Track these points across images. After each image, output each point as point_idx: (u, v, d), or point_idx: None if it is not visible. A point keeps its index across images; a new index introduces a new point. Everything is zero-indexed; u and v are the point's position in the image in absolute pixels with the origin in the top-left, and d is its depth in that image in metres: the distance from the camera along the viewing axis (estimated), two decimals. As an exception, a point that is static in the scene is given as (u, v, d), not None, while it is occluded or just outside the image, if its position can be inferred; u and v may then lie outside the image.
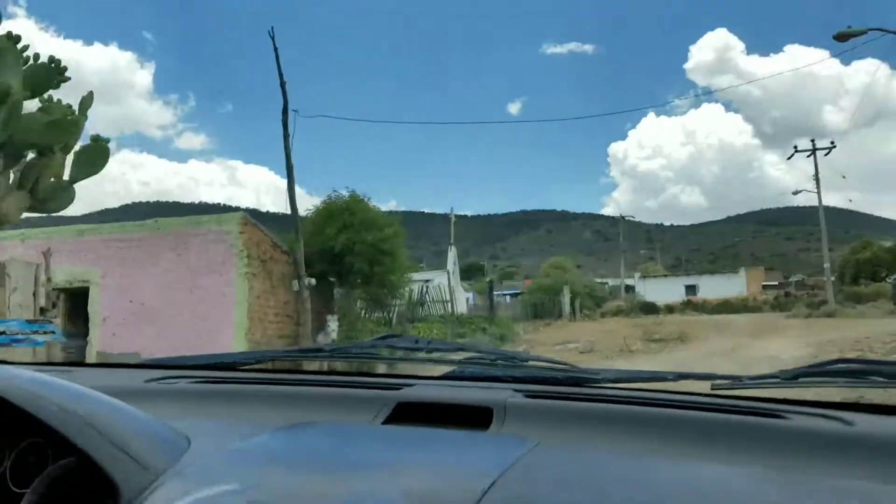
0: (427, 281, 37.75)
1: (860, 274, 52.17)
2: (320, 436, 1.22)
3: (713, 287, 61.90)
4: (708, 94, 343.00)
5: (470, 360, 1.93)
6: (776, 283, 69.97)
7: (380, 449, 1.13)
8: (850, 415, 1.25)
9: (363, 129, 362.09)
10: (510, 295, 59.73)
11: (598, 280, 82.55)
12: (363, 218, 16.87)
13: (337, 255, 16.25)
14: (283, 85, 16.17)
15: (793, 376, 1.59)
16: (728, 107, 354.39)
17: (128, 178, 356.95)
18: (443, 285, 28.13)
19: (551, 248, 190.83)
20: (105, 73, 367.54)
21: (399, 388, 1.51)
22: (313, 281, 15.14)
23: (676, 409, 1.37)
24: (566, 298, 47.11)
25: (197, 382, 1.65)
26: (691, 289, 64.85)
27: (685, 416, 1.32)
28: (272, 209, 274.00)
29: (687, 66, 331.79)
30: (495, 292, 72.31)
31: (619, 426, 1.30)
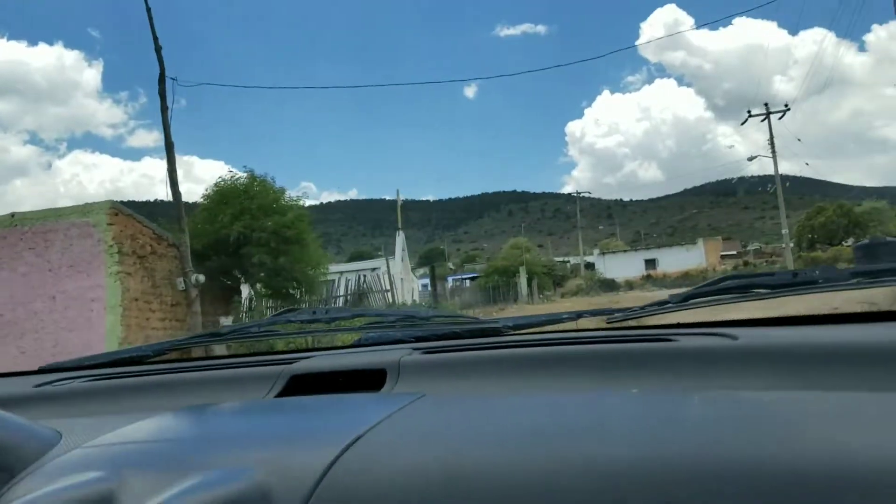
0: (373, 269, 35.64)
1: (817, 239, 51.43)
2: (195, 418, 1.17)
3: (672, 260, 60.61)
4: (660, 71, 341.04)
5: (370, 325, 1.82)
6: (734, 252, 69.28)
7: (257, 423, 1.10)
8: (734, 330, 1.30)
9: (318, 117, 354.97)
10: (470, 279, 57.77)
11: (559, 259, 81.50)
12: (262, 202, 14.46)
13: (234, 246, 13.91)
14: (158, 50, 13.79)
15: (683, 299, 1.60)
16: (681, 81, 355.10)
17: (81, 178, 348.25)
18: (381, 274, 25.87)
19: (513, 229, 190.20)
20: (52, 74, 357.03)
21: (294, 362, 1.47)
22: (201, 277, 12.80)
23: (572, 345, 1.39)
24: (523, 280, 45.28)
25: (90, 381, 1.59)
26: (651, 263, 63.51)
27: (580, 351, 1.32)
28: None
29: (638, 42, 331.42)
30: (454, 277, 70.75)
31: (514, 369, 1.28)
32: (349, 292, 24.17)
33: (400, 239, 37.35)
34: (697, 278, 52.42)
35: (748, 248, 77.87)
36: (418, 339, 1.62)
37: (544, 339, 1.49)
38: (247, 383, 1.41)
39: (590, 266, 66.82)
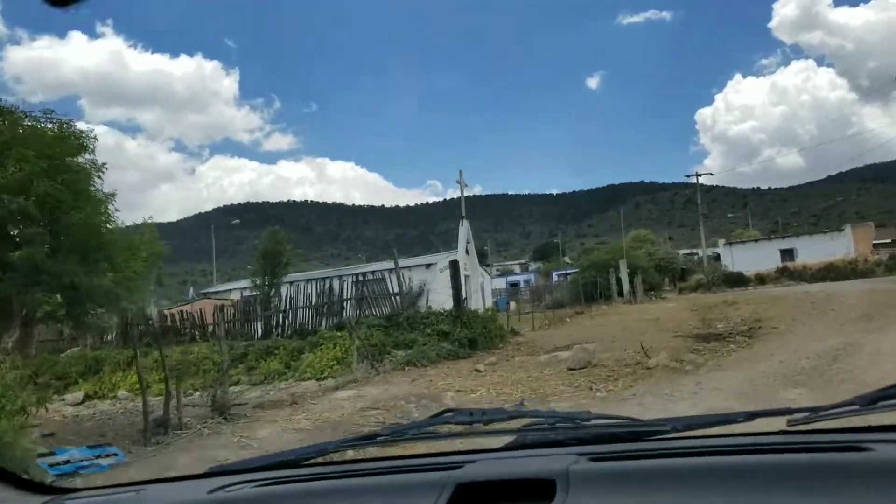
0: (428, 266, 28.91)
1: None
2: None
3: (813, 250, 50.08)
4: (797, 52, 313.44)
5: (529, 426, 1.79)
6: (890, 240, 57.31)
7: None
8: None
9: (440, 116, 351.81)
10: (567, 275, 50.16)
11: (687, 251, 72.27)
12: (14, 136, 7.98)
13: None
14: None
15: (871, 401, 1.47)
16: (820, 62, 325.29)
17: (222, 182, 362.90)
18: (390, 274, 19.06)
19: (640, 222, 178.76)
20: (192, 84, 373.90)
21: (459, 467, 1.49)
22: None
23: (747, 454, 1.32)
24: (623, 275, 37.25)
25: (260, 486, 1.62)
26: (788, 253, 53.07)
27: (757, 462, 1.24)
28: (360, 202, 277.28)
29: (771, 24, 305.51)
30: (559, 272, 63.11)
31: (685, 482, 1.23)
32: (345, 298, 17.70)
33: (463, 229, 30.49)
34: (845, 269, 42.82)
35: (907, 236, 65.15)
36: (580, 442, 1.58)
37: (716, 445, 1.44)
38: (413, 491, 1.40)
39: (716, 258, 57.32)
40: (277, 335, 17.40)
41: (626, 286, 36.81)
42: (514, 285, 61.75)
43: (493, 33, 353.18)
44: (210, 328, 18.51)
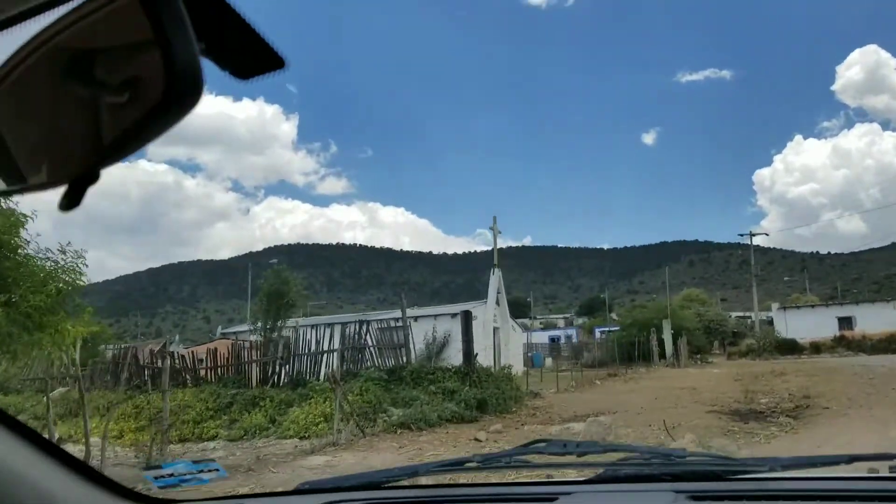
0: (453, 315, 27.23)
1: None
2: None
3: (874, 319, 46.79)
4: (861, 115, 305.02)
5: (623, 460, 1.78)
6: (963, 312, 53.50)
7: None
8: None
9: (491, 165, 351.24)
10: (608, 332, 47.90)
11: (739, 314, 69.17)
12: None
13: None
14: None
15: None
16: (885, 126, 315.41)
17: (275, 223, 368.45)
18: (393, 323, 17.46)
19: (693, 281, 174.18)
20: (253, 127, 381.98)
21: (554, 499, 1.48)
22: None
23: (847, 499, 1.30)
24: (666, 336, 35.00)
25: None
26: (846, 322, 49.81)
27: None
28: (408, 248, 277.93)
29: (835, 87, 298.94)
30: (601, 329, 60.64)
31: None
32: (343, 346, 16.17)
33: (494, 279, 28.73)
34: (907, 342, 39.79)
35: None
36: (675, 479, 1.56)
37: (816, 489, 1.42)
38: None
39: (769, 323, 54.40)
40: (272, 384, 15.93)
41: (668, 348, 34.53)
42: (554, 340, 59.38)
43: (547, 85, 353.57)
44: (202, 372, 17.20)
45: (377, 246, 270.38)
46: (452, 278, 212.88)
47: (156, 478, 2.45)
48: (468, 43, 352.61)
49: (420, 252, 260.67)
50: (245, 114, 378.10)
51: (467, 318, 16.38)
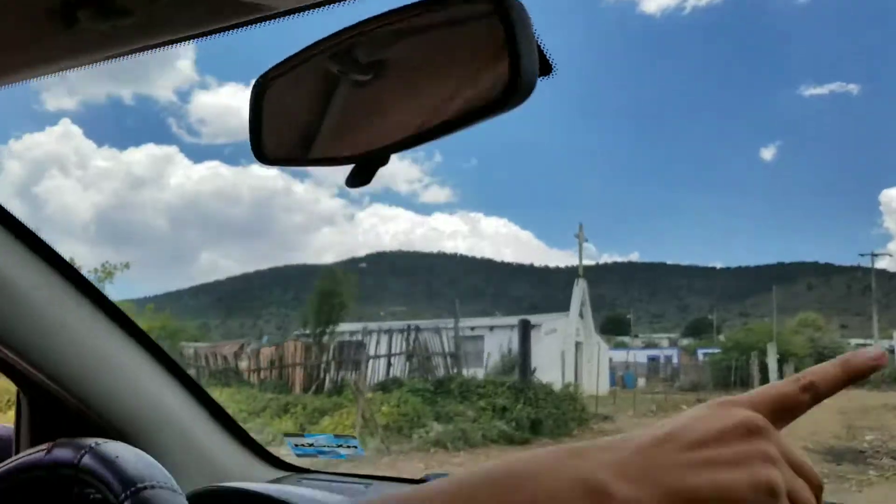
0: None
1: None
2: None
3: None
4: None
5: None
6: None
7: None
8: None
9: (599, 178, 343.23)
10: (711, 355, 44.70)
11: (859, 341, 63.86)
12: None
13: None
14: None
15: None
16: None
17: (378, 229, 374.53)
18: (447, 332, 15.96)
19: (811, 304, 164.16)
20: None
21: None
22: None
23: None
24: (771, 360, 31.90)
25: None
26: (983, 355, 44.55)
27: None
28: (509, 259, 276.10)
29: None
30: (704, 351, 56.95)
31: None
32: (391, 352, 14.89)
33: (578, 289, 26.82)
34: None
35: None
36: None
37: None
38: None
39: (891, 352, 49.56)
40: (315, 389, 14.84)
41: (773, 374, 31.41)
42: (654, 360, 56.24)
43: (662, 97, 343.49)
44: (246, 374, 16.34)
45: (478, 256, 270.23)
46: (553, 291, 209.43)
47: (296, 445, 2.47)
48: (583, 50, 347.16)
49: (521, 264, 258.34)
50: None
51: (525, 328, 14.76)
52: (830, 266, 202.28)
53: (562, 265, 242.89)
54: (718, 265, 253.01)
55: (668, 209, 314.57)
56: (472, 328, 26.42)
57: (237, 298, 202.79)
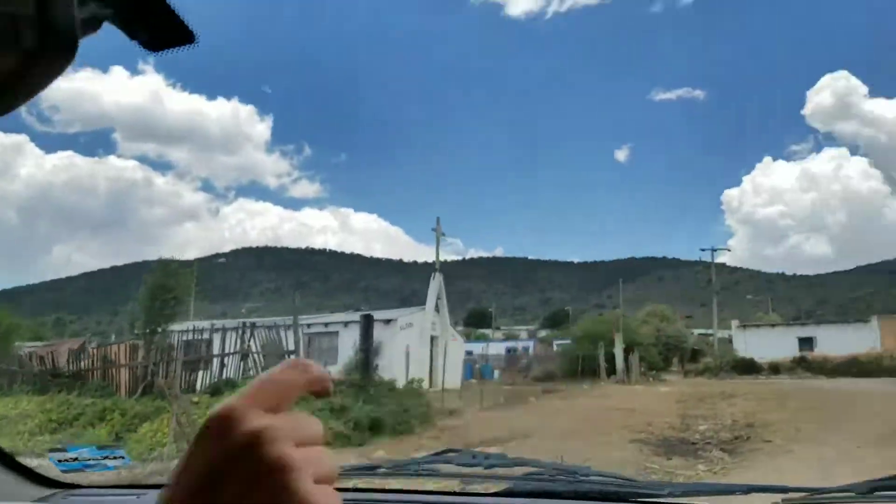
0: (387, 321, 25.01)
1: None
2: None
3: (836, 341, 45.50)
4: (830, 140, 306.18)
5: (529, 475, 1.85)
6: (921, 337, 52.48)
7: None
8: None
9: (464, 174, 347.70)
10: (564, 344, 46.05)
11: (703, 332, 67.95)
12: None
13: None
14: None
15: (868, 490, 1.51)
16: (854, 151, 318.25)
17: (245, 225, 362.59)
18: (285, 330, 15.22)
19: (660, 296, 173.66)
20: (227, 126, 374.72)
21: None
22: None
23: None
24: (618, 351, 33.09)
25: None
26: (807, 342, 48.53)
27: None
28: (379, 255, 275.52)
29: (805, 111, 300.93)
30: (559, 341, 58.76)
31: None
32: (223, 351, 13.95)
33: (435, 283, 26.62)
34: (869, 365, 38.40)
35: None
36: (577, 496, 1.63)
37: None
38: None
39: (729, 341, 53.20)
40: (141, 393, 13.63)
41: (619, 363, 32.60)
42: (511, 352, 57.48)
43: (524, 95, 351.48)
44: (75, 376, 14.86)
45: (347, 252, 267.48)
46: (423, 286, 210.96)
47: (59, 461, 2.34)
48: (447, 50, 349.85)
49: (390, 259, 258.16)
50: (218, 113, 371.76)
51: (368, 323, 14.19)
52: (678, 260, 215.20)
53: (430, 260, 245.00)
54: (576, 260, 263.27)
55: (530, 206, 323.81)
56: (327, 324, 25.62)
57: (94, 294, 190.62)
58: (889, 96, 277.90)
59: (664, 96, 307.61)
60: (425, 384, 19.01)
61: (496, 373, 39.24)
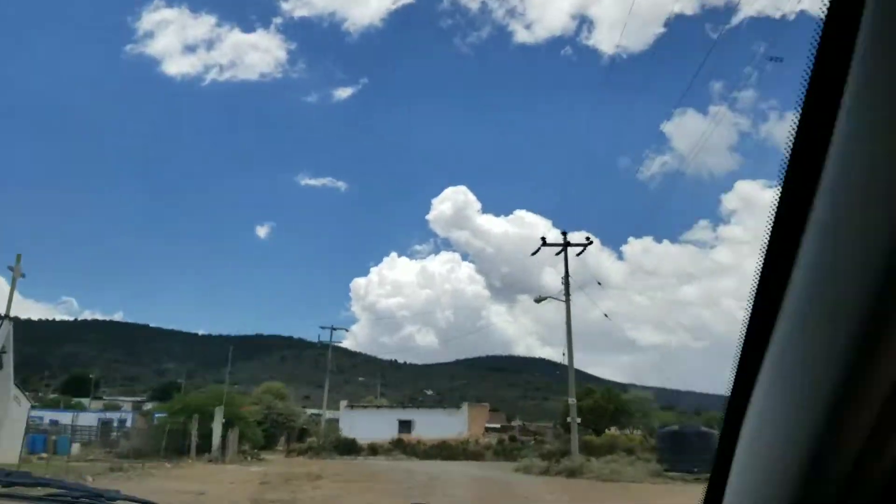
0: None
1: (584, 422, 43.06)
2: None
3: (432, 424, 48.35)
4: (447, 245, 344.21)
5: (51, 496, 1.76)
6: (499, 425, 58.41)
7: None
8: None
9: (89, 233, 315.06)
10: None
11: (315, 412, 67.56)
12: None
13: None
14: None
15: None
16: (465, 258, 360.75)
17: None
18: None
19: (282, 375, 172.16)
20: None
21: None
22: None
23: None
24: (216, 426, 30.31)
25: None
26: (406, 425, 50.73)
27: None
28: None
29: (429, 216, 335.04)
30: (158, 414, 53.72)
31: None
32: None
33: (1, 332, 21.55)
34: (457, 450, 40.80)
35: (513, 424, 67.56)
36: None
37: None
38: None
39: (338, 421, 53.32)
40: None
41: (216, 439, 29.81)
42: (106, 423, 51.13)
43: (174, 163, 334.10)
44: None
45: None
46: (28, 346, 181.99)
47: None
48: (98, 101, 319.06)
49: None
50: None
51: None
52: (303, 341, 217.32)
53: (37, 318, 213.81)
54: (202, 332, 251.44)
55: (160, 272, 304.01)
56: None
57: None
58: (496, 214, 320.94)
59: (310, 182, 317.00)
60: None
61: (75, 446, 33.78)
